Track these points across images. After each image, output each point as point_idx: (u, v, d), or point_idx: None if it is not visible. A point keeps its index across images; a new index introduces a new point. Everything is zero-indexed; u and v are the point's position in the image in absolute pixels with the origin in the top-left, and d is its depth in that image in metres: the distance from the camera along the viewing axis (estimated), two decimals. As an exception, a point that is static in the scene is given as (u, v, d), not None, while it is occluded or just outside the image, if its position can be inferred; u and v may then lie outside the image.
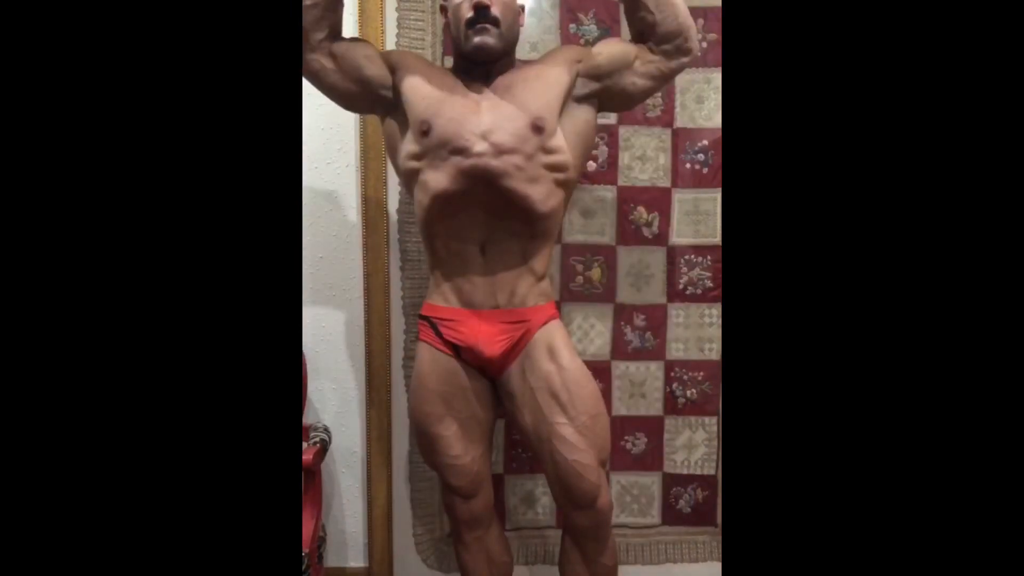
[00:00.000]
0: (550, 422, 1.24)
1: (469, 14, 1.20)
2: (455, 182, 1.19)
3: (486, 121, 1.19)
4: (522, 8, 1.31)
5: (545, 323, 1.29)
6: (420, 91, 1.23)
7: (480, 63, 1.25)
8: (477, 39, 1.20)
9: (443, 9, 1.31)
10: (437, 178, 1.20)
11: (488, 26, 1.20)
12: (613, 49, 1.28)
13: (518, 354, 1.28)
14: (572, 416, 1.24)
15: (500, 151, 1.18)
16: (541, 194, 1.21)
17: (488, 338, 1.26)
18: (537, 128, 1.20)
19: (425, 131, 1.20)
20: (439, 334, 1.30)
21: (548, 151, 1.22)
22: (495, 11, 1.20)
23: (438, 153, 1.20)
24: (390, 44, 1.60)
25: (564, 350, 1.27)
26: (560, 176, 1.24)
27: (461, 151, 1.18)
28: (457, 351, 1.29)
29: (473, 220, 1.23)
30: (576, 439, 1.24)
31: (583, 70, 1.26)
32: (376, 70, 1.26)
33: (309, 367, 1.67)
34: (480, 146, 1.18)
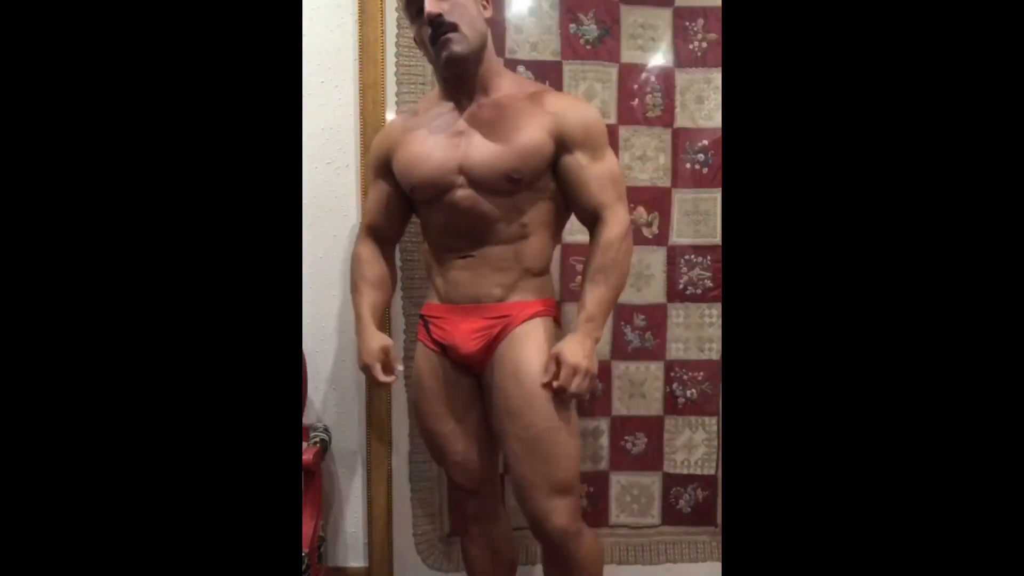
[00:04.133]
0: (501, 430, 1.24)
1: (429, 31, 1.19)
2: (443, 215, 1.27)
3: (467, 159, 1.22)
4: (485, 1, 1.26)
5: (529, 319, 1.26)
6: (402, 162, 1.30)
7: (460, 74, 1.24)
8: (444, 53, 1.20)
9: (418, 42, 1.29)
10: (430, 214, 1.32)
11: (449, 35, 1.18)
12: (572, 166, 1.25)
13: (495, 350, 1.26)
14: (520, 426, 1.20)
15: (477, 186, 1.22)
16: (527, 216, 1.25)
17: (465, 335, 1.27)
18: (513, 180, 1.22)
19: (411, 191, 1.31)
20: (429, 332, 1.32)
21: (528, 183, 1.24)
22: (449, 17, 1.17)
23: (425, 197, 1.29)
24: (390, 44, 1.60)
25: (532, 351, 1.22)
26: (545, 192, 1.27)
27: (445, 190, 1.25)
28: (444, 349, 1.31)
29: (468, 235, 1.27)
30: (522, 454, 1.20)
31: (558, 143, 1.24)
32: (394, 193, 1.37)
33: (309, 367, 1.67)
34: (460, 181, 1.23)
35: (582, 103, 1.34)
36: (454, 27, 1.17)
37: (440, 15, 1.16)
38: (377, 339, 1.34)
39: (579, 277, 1.67)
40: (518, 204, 1.24)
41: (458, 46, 1.18)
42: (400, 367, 1.39)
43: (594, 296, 1.22)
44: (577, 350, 1.18)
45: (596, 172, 1.25)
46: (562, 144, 1.23)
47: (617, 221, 1.24)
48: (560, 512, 1.20)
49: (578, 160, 1.24)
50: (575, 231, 1.66)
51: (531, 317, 1.26)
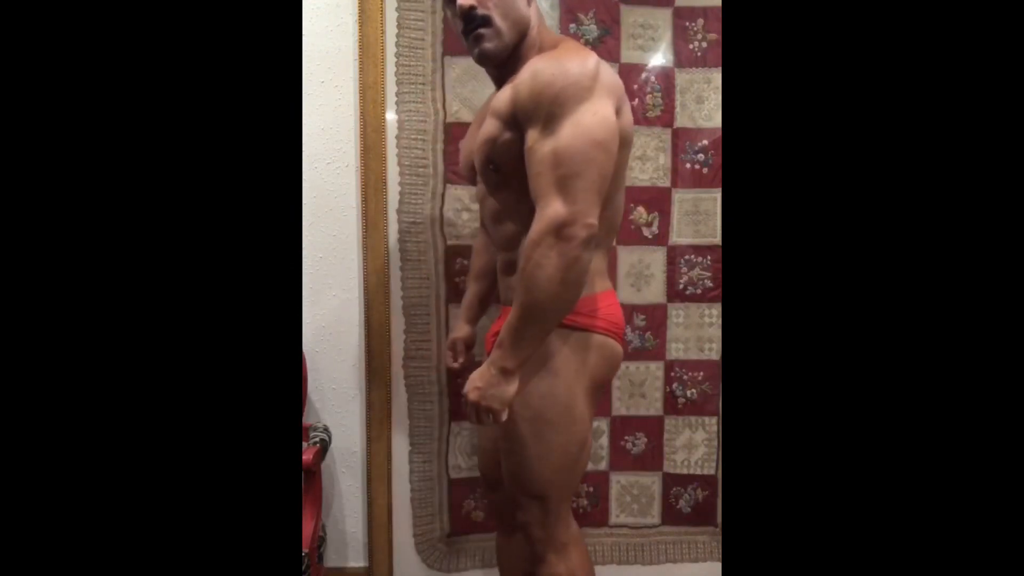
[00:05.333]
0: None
1: (462, 24, 1.11)
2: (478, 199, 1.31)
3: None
4: None
5: None
6: None
7: (496, 66, 1.15)
8: (475, 50, 1.11)
9: (452, 26, 1.21)
10: None
11: (481, 31, 1.08)
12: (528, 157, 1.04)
13: None
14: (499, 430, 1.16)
15: (481, 177, 1.20)
16: (527, 209, 1.08)
17: (489, 337, 1.28)
18: (492, 170, 1.13)
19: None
20: None
21: (511, 171, 1.11)
22: (481, 9, 1.07)
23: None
24: (390, 44, 1.60)
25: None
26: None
27: (475, 184, 1.29)
28: None
29: (491, 234, 1.27)
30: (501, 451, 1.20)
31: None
32: None
33: (309, 367, 1.67)
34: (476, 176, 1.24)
35: (546, 61, 1.04)
36: (487, 21, 1.08)
37: (473, 8, 1.07)
38: (455, 331, 1.50)
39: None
40: (516, 196, 1.10)
41: (489, 43, 1.09)
42: (458, 364, 1.44)
43: (507, 318, 1.04)
44: (471, 378, 1.07)
45: (539, 154, 1.00)
46: (518, 122, 1.05)
47: (538, 219, 0.99)
48: (526, 510, 1.17)
49: (528, 140, 1.03)
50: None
51: None
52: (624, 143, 1.10)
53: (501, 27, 1.09)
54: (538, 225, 0.99)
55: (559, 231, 0.97)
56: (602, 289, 1.17)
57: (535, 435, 1.11)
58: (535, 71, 1.03)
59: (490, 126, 1.10)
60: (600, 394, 1.25)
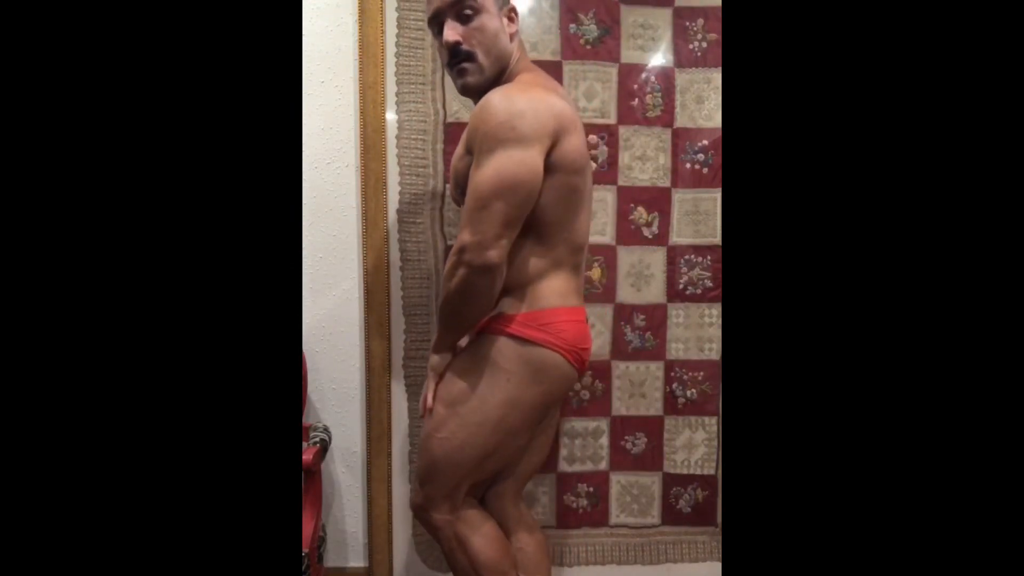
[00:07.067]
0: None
1: (447, 55, 1.17)
2: None
3: None
4: (511, 14, 1.21)
5: (479, 332, 1.22)
6: None
7: (478, 96, 1.21)
8: (459, 83, 1.19)
9: (440, 56, 1.28)
10: None
11: (464, 65, 1.16)
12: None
13: None
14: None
15: (455, 192, 1.27)
16: None
17: None
18: (459, 192, 1.21)
19: None
20: None
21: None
22: (466, 45, 1.15)
23: None
24: (390, 44, 1.60)
25: (453, 366, 1.22)
26: None
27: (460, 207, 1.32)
28: None
29: None
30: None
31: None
32: None
33: (309, 367, 1.67)
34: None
35: (497, 96, 1.09)
36: (470, 57, 1.15)
37: (459, 43, 1.14)
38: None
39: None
40: None
41: (472, 78, 1.17)
42: None
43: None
44: None
45: (469, 183, 1.10)
46: (471, 149, 1.13)
47: (457, 240, 1.10)
48: (415, 491, 1.29)
49: (471, 167, 1.11)
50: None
51: (481, 330, 1.22)
52: (574, 170, 1.15)
53: (484, 63, 1.17)
54: (454, 246, 1.11)
55: (461, 256, 1.09)
56: (560, 305, 1.19)
57: (440, 422, 1.20)
58: (483, 104, 1.10)
59: (458, 150, 1.21)
60: (541, 411, 1.24)
